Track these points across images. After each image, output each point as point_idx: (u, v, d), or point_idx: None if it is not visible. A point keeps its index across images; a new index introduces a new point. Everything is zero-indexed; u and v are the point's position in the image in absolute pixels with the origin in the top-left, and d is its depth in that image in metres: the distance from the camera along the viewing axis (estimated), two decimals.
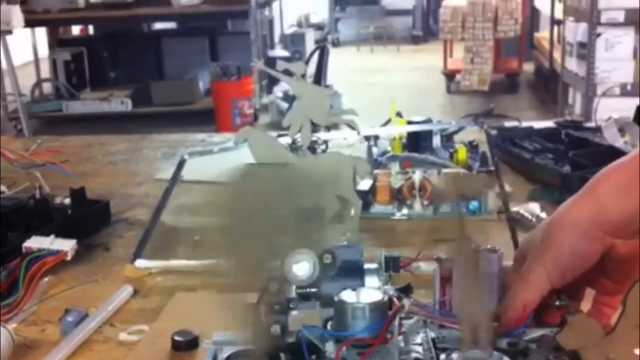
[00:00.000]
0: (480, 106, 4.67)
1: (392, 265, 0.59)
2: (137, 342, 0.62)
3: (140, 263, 0.77)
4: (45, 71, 4.79)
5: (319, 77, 0.98)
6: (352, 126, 0.64)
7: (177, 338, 0.60)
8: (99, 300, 0.69)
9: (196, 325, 0.61)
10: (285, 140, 0.61)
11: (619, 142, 1.00)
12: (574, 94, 3.70)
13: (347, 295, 0.52)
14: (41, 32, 4.88)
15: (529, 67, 5.60)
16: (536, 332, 0.54)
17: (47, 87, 4.82)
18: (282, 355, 0.50)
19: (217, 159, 0.98)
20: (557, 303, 0.54)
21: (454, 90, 5.23)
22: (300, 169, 0.54)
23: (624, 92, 3.32)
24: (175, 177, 0.90)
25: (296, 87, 0.58)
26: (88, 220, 0.87)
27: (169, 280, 0.74)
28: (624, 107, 1.66)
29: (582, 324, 0.46)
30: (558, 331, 0.47)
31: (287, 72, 0.58)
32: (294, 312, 0.53)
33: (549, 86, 4.78)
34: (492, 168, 1.00)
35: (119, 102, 4.50)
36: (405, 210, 0.91)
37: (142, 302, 0.70)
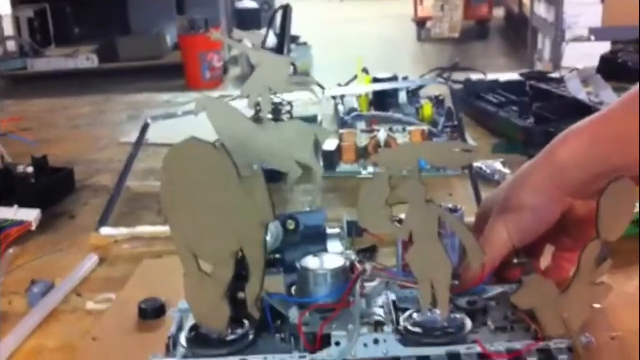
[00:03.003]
0: (452, 54, 4.67)
1: (354, 230, 0.60)
2: (105, 311, 0.62)
3: (106, 231, 0.76)
4: (9, 29, 4.67)
5: (282, 39, 0.97)
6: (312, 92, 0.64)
7: (143, 306, 0.60)
8: (65, 270, 0.69)
9: (164, 292, 0.61)
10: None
11: (582, 94, 1.01)
12: (544, 39, 3.70)
13: (309, 262, 0.52)
14: None
15: (499, 13, 5.58)
16: (496, 290, 0.55)
17: (10, 46, 4.70)
18: (246, 322, 0.51)
19: (183, 120, 0.97)
20: (516, 261, 0.56)
21: (425, 39, 5.20)
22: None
23: (593, 37, 3.33)
24: (139, 142, 0.90)
25: (254, 56, 0.58)
26: (52, 188, 0.86)
27: (136, 248, 0.74)
28: (593, 52, 1.68)
29: (537, 285, 0.47)
30: (513, 292, 0.48)
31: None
32: None
33: (519, 32, 4.77)
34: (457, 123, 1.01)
35: (85, 59, 4.41)
36: (370, 169, 0.91)
37: (108, 271, 0.70)
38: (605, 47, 2.39)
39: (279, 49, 0.98)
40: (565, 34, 3.33)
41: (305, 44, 4.51)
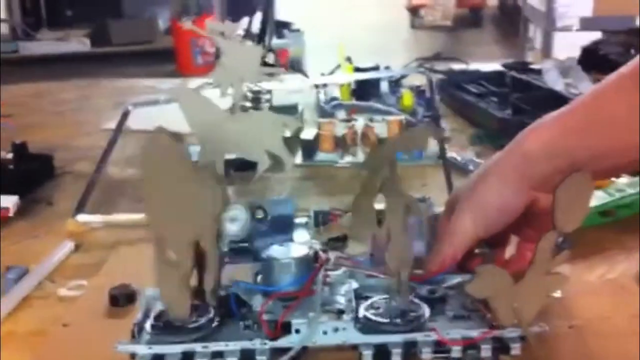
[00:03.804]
0: (445, 41, 4.66)
1: (321, 220, 0.61)
2: (76, 298, 0.63)
3: (82, 218, 0.77)
4: (1, 12, 4.65)
5: (265, 25, 0.97)
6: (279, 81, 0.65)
7: (114, 293, 0.61)
8: (41, 256, 0.70)
9: (136, 279, 0.62)
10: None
11: (559, 85, 1.02)
12: (535, 28, 3.70)
13: (274, 251, 0.53)
14: None
15: (492, 1, 5.57)
16: (456, 279, 0.56)
17: (2, 28, 4.67)
18: (212, 310, 0.52)
19: (166, 107, 0.97)
20: (477, 251, 0.57)
21: (418, 26, 5.19)
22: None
23: (584, 27, 3.33)
24: (119, 129, 0.90)
25: (225, 47, 0.58)
26: (30, 175, 0.87)
27: (111, 235, 0.75)
28: (584, 42, 1.68)
29: (491, 274, 0.49)
30: (467, 281, 0.50)
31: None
32: (227, 267, 0.55)
33: (512, 20, 4.77)
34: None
35: (77, 42, 4.39)
36: (348, 158, 0.92)
37: (83, 257, 0.71)
38: (595, 36, 2.39)
39: (261, 35, 0.98)
40: (555, 22, 3.32)
41: (298, 30, 4.50)
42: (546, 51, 3.30)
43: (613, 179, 0.76)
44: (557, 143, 0.53)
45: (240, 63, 0.58)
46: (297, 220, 0.60)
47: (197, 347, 0.49)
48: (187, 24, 0.81)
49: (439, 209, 0.61)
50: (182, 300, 0.49)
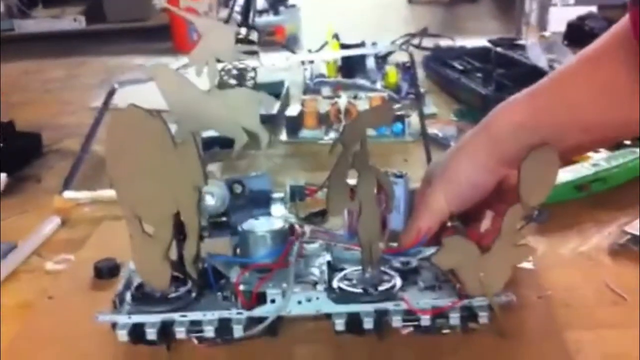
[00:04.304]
0: (442, 17, 4.64)
1: (297, 195, 0.62)
2: (63, 271, 0.65)
3: (69, 194, 0.79)
4: None
5: (247, 9, 0.97)
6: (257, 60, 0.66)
7: (98, 266, 0.63)
8: (29, 232, 0.72)
9: (120, 253, 0.64)
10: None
11: (542, 62, 1.03)
12: (531, 3, 3.68)
13: (250, 224, 0.55)
14: None
15: None
16: (430, 251, 0.58)
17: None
18: (189, 282, 0.53)
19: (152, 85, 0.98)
20: (449, 224, 0.58)
21: (416, 1, 5.16)
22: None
23: (579, 1, 3.31)
24: (105, 107, 0.92)
25: (200, 25, 0.59)
26: (18, 153, 0.88)
27: (97, 211, 0.77)
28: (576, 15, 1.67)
29: (457, 245, 0.50)
30: (434, 253, 0.51)
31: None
32: (206, 240, 0.57)
33: None
34: (422, 90, 1.03)
35: (72, 20, 4.36)
36: (332, 135, 0.94)
37: (69, 232, 0.73)
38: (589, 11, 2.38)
39: (244, 12, 0.99)
40: None
41: (294, 6, 4.47)
42: (542, 26, 3.29)
43: (589, 153, 0.78)
44: (524, 121, 0.54)
45: (215, 42, 0.59)
46: (275, 195, 0.61)
47: (176, 316, 0.51)
48: (162, 3, 0.81)
49: (417, 184, 0.63)
50: (162, 273, 0.51)
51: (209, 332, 0.51)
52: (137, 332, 0.51)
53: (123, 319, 0.51)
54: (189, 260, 0.51)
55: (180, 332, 0.51)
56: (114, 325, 0.51)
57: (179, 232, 0.52)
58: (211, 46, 0.59)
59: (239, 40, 0.93)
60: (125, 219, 0.51)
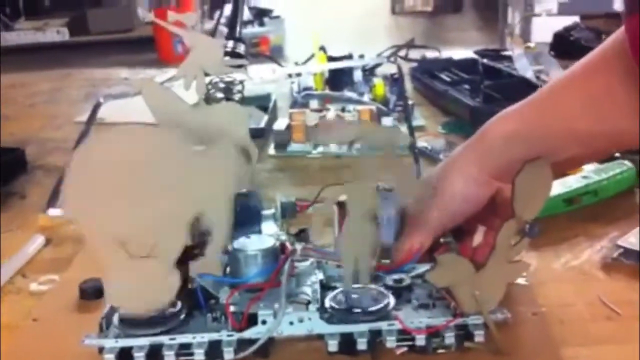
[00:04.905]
0: (426, 27, 4.66)
1: (288, 211, 0.61)
2: (47, 292, 0.63)
3: (54, 212, 0.77)
4: None
5: (234, 21, 0.96)
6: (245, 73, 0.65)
7: (84, 287, 0.61)
8: (12, 250, 0.70)
9: None
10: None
11: (529, 73, 1.02)
12: (513, 13, 3.70)
13: (240, 243, 0.54)
14: None
15: None
16: (423, 268, 0.57)
17: None
18: (179, 302, 0.52)
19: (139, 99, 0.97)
20: (442, 240, 0.58)
21: (399, 11, 5.18)
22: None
23: (561, 11, 3.33)
24: (90, 122, 0.90)
25: (188, 38, 0.58)
26: (3, 169, 0.86)
27: None
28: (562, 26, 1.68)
29: (452, 263, 0.50)
30: (428, 270, 0.50)
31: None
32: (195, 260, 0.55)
33: (493, 5, 4.77)
34: (410, 102, 1.03)
35: (55, 32, 4.34)
36: (320, 149, 0.93)
37: (54, 252, 0.71)
38: (574, 21, 2.40)
39: (231, 25, 0.98)
40: (534, 7, 3.33)
41: (278, 17, 4.48)
42: (525, 36, 3.31)
43: None
44: (517, 131, 0.54)
45: (203, 55, 0.58)
46: (265, 212, 0.60)
47: (165, 339, 0.50)
48: (149, 16, 0.80)
49: None
50: (170, 285, 0.49)
51: (199, 355, 0.49)
52: (124, 356, 0.50)
53: (110, 342, 0.50)
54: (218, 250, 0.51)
55: (169, 356, 0.49)
56: (100, 349, 0.50)
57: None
58: (200, 60, 0.58)
59: (227, 53, 0.92)
60: (104, 252, 0.49)
